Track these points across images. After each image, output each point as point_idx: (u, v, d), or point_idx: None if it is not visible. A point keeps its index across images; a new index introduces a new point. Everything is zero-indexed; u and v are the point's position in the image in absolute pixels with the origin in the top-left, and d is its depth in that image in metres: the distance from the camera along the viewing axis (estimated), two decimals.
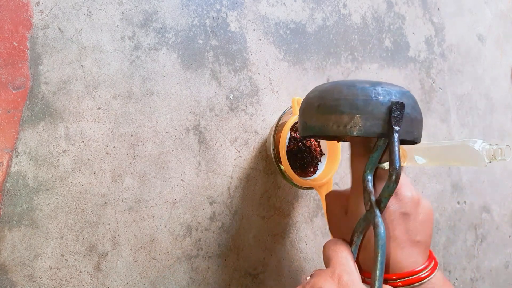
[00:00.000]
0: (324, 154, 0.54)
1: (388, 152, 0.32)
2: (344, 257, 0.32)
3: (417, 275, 0.33)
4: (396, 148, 0.31)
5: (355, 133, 0.31)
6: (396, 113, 0.31)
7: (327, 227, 0.58)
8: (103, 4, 0.46)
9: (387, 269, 0.34)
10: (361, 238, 0.34)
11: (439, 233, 0.70)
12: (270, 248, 0.53)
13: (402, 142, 0.36)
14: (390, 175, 0.31)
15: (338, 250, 0.33)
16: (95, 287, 0.43)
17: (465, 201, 0.74)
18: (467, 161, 0.55)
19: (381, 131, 0.31)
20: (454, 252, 0.71)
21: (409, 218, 0.34)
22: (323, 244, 0.35)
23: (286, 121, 0.49)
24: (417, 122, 0.34)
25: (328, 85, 0.34)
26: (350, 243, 0.34)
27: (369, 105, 0.31)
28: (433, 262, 0.35)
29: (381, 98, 0.31)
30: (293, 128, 0.51)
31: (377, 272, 0.30)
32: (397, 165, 0.31)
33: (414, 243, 0.34)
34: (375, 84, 0.33)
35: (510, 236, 0.81)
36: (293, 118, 0.49)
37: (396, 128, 0.31)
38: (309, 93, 0.36)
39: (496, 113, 0.81)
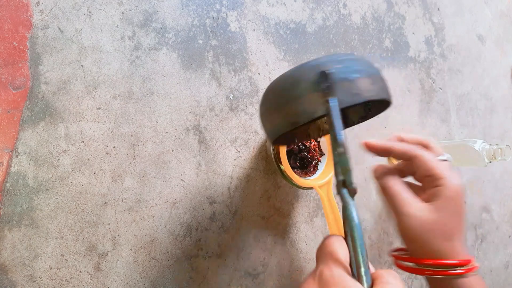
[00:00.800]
0: (324, 154, 0.54)
1: (328, 126, 0.29)
2: (328, 252, 0.30)
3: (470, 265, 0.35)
4: (335, 121, 0.29)
5: (300, 122, 0.30)
6: (324, 86, 0.29)
7: (328, 227, 0.58)
8: (103, 4, 0.46)
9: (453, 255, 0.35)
10: None
11: None
12: (270, 248, 0.53)
13: (361, 106, 0.34)
14: (334, 149, 0.29)
15: (323, 247, 0.31)
16: (95, 287, 0.43)
17: (465, 201, 0.74)
18: (467, 161, 0.55)
19: (321, 109, 0.29)
20: None
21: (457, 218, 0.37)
22: None
23: None
24: (363, 82, 0.31)
25: (268, 87, 0.34)
26: (345, 236, 0.31)
27: (298, 89, 0.30)
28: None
29: (307, 76, 0.30)
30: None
31: (360, 257, 0.27)
32: (339, 138, 0.29)
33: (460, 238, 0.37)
34: (303, 64, 0.31)
35: (510, 236, 0.81)
36: None
37: (330, 99, 0.29)
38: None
39: (496, 113, 0.81)
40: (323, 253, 0.30)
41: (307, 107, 0.29)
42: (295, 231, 0.55)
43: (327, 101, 0.29)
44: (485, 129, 0.79)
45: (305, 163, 0.52)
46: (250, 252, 0.52)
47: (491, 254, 0.77)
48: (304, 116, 0.30)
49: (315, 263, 0.56)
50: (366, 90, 0.31)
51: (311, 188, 0.51)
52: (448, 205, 0.36)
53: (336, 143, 0.29)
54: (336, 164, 0.30)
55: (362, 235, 0.28)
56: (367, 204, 0.62)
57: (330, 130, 0.29)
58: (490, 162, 0.51)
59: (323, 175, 0.52)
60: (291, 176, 0.49)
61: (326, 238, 0.32)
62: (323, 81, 0.29)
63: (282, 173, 0.50)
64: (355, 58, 0.32)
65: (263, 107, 0.34)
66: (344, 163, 0.29)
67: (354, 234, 0.28)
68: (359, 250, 0.27)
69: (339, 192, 0.30)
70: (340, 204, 0.60)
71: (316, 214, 0.57)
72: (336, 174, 0.30)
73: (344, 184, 0.30)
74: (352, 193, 0.29)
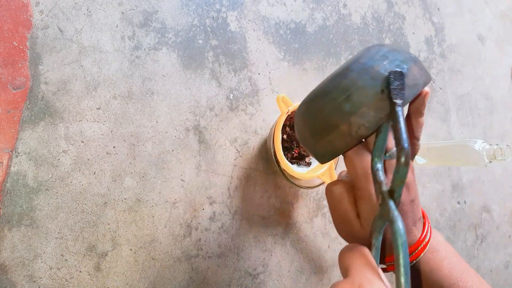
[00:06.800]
0: None
1: (393, 131, 0.27)
2: (363, 264, 0.27)
3: (422, 245, 0.34)
4: (402, 125, 0.26)
5: (364, 134, 0.28)
6: (395, 88, 0.27)
7: (328, 227, 0.58)
8: (103, 4, 0.46)
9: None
10: (380, 240, 0.29)
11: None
12: (270, 248, 0.53)
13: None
14: (399, 157, 0.26)
15: (355, 257, 0.28)
16: (95, 287, 0.43)
17: (465, 201, 0.74)
18: (467, 161, 0.55)
19: (386, 113, 0.27)
20: None
21: (414, 203, 0.34)
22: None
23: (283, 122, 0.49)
24: (414, 70, 0.29)
25: (305, 105, 0.31)
26: (369, 246, 0.29)
27: (358, 97, 0.28)
28: (427, 228, 0.36)
29: (363, 82, 0.27)
30: (284, 126, 0.51)
31: (402, 279, 0.24)
32: (405, 145, 0.26)
33: (416, 223, 0.35)
34: (347, 68, 0.28)
35: (510, 236, 0.81)
36: (282, 118, 0.48)
37: (398, 102, 0.26)
38: (295, 119, 0.33)
39: (496, 113, 0.81)
40: (356, 264, 0.28)
41: (373, 116, 0.27)
42: (295, 231, 0.55)
43: (394, 103, 0.26)
44: (485, 129, 0.79)
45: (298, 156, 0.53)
46: (250, 252, 0.52)
47: (491, 254, 0.77)
48: (370, 128, 0.27)
49: (315, 263, 0.56)
50: (420, 78, 0.28)
51: (312, 187, 0.51)
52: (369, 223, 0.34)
53: (401, 150, 0.26)
54: (395, 175, 0.26)
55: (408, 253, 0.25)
56: None
57: (396, 138, 0.26)
58: (490, 162, 0.51)
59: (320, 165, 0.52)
60: (292, 174, 0.48)
61: (351, 247, 0.30)
62: (395, 83, 0.27)
63: (282, 173, 0.50)
64: (390, 47, 0.29)
65: (310, 126, 0.31)
66: (403, 174, 0.26)
67: (400, 252, 0.25)
68: (402, 270, 0.24)
69: (383, 204, 0.27)
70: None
71: (316, 214, 0.57)
72: (381, 185, 0.28)
73: (391, 196, 0.27)
74: (397, 205, 0.27)
